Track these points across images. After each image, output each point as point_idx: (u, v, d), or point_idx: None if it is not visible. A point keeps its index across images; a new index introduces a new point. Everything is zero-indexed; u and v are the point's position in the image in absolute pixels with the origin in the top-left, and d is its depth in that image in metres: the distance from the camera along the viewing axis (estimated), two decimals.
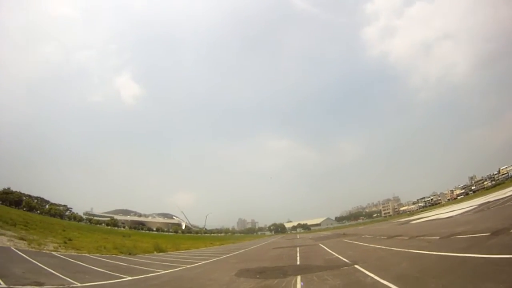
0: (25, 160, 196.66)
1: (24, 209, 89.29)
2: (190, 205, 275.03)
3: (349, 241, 27.84)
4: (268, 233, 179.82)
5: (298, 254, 21.01)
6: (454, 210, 45.87)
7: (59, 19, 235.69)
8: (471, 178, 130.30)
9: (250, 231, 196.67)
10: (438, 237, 16.17)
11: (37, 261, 14.38)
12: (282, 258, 20.02)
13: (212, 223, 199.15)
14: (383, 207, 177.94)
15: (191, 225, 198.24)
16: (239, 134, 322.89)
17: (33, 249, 18.56)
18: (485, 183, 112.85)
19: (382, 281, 8.36)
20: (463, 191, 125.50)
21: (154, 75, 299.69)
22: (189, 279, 13.37)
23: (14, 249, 16.50)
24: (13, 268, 11.78)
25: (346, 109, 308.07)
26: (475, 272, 7.53)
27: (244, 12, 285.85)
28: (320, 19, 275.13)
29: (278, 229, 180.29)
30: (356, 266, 11.62)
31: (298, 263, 16.07)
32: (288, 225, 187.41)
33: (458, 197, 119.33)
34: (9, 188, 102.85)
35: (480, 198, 64.06)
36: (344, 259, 14.20)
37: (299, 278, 10.73)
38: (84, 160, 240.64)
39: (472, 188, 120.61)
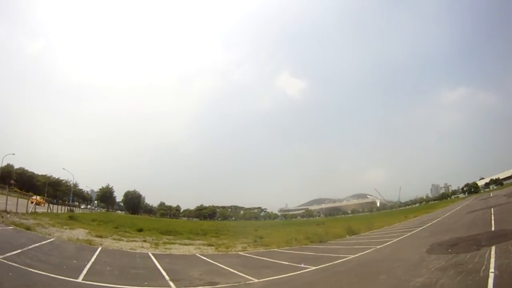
0: (216, 177, 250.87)
1: (219, 219, 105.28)
2: (382, 181, 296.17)
3: None
4: (461, 195, 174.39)
5: (492, 217, 22.15)
6: None
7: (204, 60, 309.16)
8: None
9: (444, 196, 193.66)
10: None
11: (219, 263, 15.40)
12: (476, 223, 21.44)
13: (405, 195, 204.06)
14: None
15: (385, 201, 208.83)
16: (409, 95, 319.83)
17: (220, 253, 20.40)
18: None
19: None
20: None
21: (311, 64, 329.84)
22: (376, 262, 14.27)
23: (199, 255, 18.36)
24: (190, 272, 12.69)
25: None
26: None
27: None
28: None
29: (471, 189, 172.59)
30: None
31: (492, 228, 16.95)
32: (480, 183, 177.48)
33: None
34: (201, 205, 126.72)
35: None
36: None
37: (493, 249, 10.95)
38: (273, 163, 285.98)
39: None
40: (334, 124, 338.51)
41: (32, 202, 40.12)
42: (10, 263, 9.70)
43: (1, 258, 10.02)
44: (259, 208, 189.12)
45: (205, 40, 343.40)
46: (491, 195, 70.50)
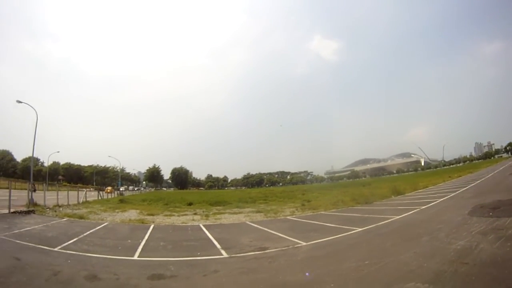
0: (261, 145, 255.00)
1: (267, 185, 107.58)
2: (426, 139, 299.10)
3: None
4: (505, 155, 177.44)
5: None
6: None
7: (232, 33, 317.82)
8: None
9: (487, 156, 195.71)
10: None
11: (268, 228, 15.75)
12: None
13: (449, 154, 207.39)
14: None
15: (430, 160, 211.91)
16: (448, 50, 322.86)
17: (268, 218, 20.83)
18: None
19: None
20: None
21: (342, 24, 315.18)
22: (419, 222, 14.51)
23: (248, 223, 18.86)
24: (241, 239, 13.12)
25: None
26: None
27: None
28: None
29: None
30: None
31: None
32: None
33: None
34: (248, 173, 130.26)
35: None
36: None
37: None
38: (315, 126, 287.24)
39: None
40: (373, 83, 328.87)
41: (105, 192, 53.58)
42: (67, 251, 10.27)
43: (59, 249, 10.61)
44: (305, 172, 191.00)
45: (230, 12, 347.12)
46: None
